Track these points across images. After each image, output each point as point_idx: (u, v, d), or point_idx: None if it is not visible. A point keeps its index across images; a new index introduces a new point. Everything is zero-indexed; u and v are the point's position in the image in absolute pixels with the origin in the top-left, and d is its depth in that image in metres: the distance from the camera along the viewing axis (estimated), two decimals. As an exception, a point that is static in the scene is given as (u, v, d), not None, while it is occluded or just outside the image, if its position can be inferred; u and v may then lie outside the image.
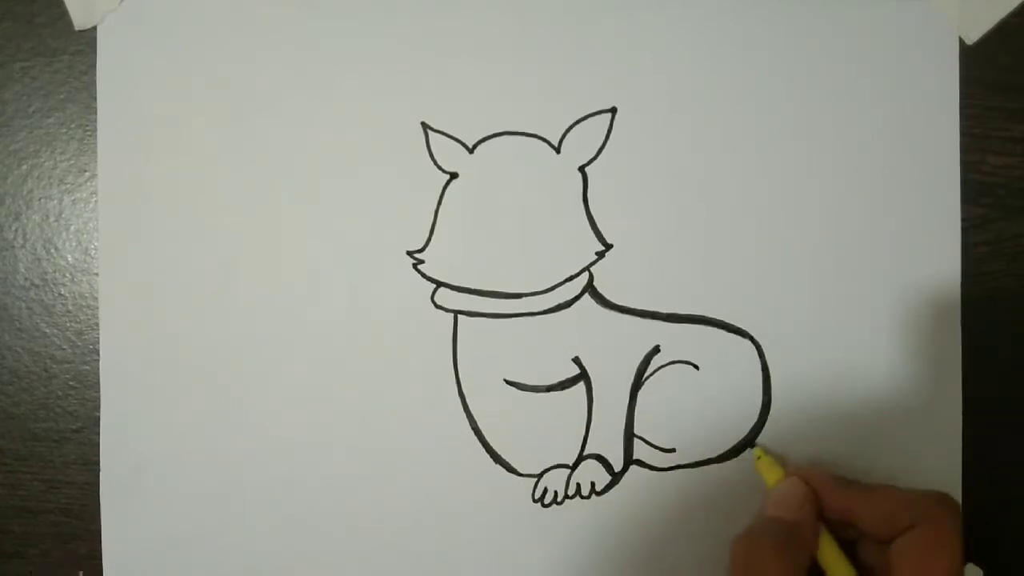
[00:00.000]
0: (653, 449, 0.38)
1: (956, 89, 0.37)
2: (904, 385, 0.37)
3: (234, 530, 0.38)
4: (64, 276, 0.39)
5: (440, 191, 0.38)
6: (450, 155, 0.38)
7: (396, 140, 0.38)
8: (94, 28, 0.38)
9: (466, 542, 0.38)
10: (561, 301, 0.38)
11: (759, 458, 0.36)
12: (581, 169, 0.38)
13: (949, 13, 0.37)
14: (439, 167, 0.38)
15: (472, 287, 0.38)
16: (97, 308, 0.38)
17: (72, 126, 0.39)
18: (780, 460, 0.36)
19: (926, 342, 0.37)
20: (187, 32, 0.38)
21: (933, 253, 0.37)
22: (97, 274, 0.38)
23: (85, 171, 0.39)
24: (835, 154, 0.38)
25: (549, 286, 0.38)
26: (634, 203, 0.38)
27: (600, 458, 0.38)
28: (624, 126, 0.38)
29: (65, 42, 0.38)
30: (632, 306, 0.38)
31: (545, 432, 0.38)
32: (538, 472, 0.38)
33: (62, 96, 0.39)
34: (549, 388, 0.38)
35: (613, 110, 0.38)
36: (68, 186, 0.39)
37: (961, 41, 0.37)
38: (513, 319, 0.38)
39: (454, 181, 0.38)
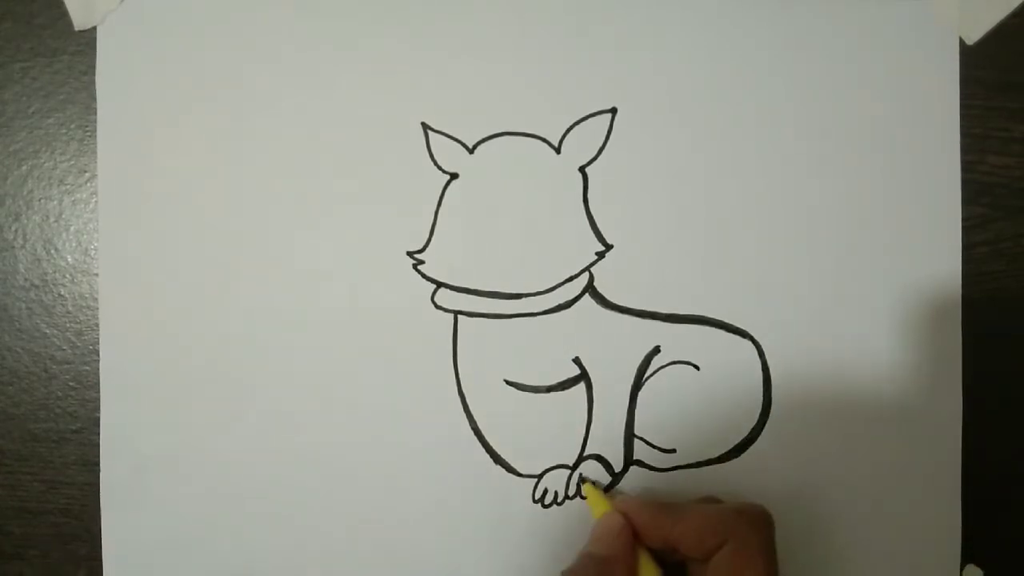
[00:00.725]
0: (653, 449, 0.38)
1: (956, 89, 0.37)
2: (904, 385, 0.37)
3: (234, 530, 0.38)
4: (64, 277, 0.39)
5: (440, 191, 0.38)
6: (450, 155, 0.38)
7: (396, 140, 0.38)
8: (94, 28, 0.38)
9: (466, 542, 0.38)
10: (561, 301, 0.38)
11: (589, 493, 0.37)
12: (581, 169, 0.38)
13: (949, 13, 0.37)
14: (439, 167, 0.38)
15: (472, 287, 0.38)
16: (97, 308, 0.38)
17: (72, 126, 0.39)
18: (608, 493, 0.37)
19: (926, 342, 0.37)
20: (187, 32, 0.38)
21: (933, 253, 0.37)
22: (97, 274, 0.38)
23: (85, 171, 0.39)
24: (835, 154, 0.38)
25: (549, 286, 0.38)
26: (634, 203, 0.38)
27: (600, 458, 0.38)
28: (624, 126, 0.38)
29: (65, 42, 0.38)
30: (632, 306, 0.38)
31: (545, 432, 0.38)
32: (538, 472, 0.38)
33: (62, 96, 0.39)
34: (549, 388, 0.38)
35: (613, 110, 0.38)
36: (68, 186, 0.39)
37: (961, 41, 0.37)
38: (513, 319, 0.38)
39: (454, 181, 0.38)
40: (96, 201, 0.38)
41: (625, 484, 0.38)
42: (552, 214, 0.38)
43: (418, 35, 0.38)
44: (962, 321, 0.37)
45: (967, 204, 0.37)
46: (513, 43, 0.38)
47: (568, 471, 0.38)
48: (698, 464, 0.38)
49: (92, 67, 0.38)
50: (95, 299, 0.39)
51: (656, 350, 0.38)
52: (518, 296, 0.38)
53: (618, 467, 0.38)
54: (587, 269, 0.38)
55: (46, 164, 0.39)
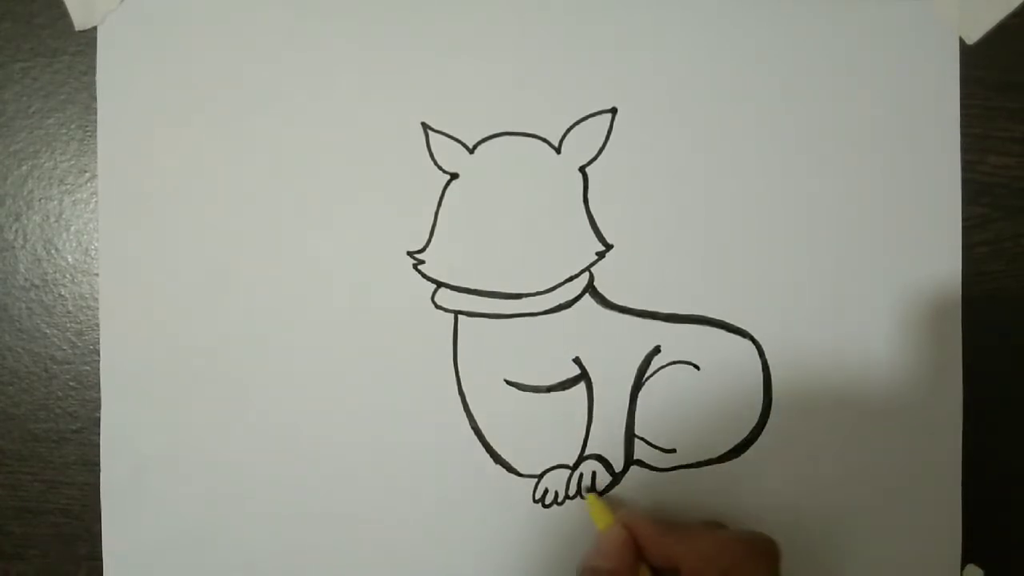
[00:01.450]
0: (653, 449, 0.38)
1: (956, 89, 0.37)
2: (904, 385, 0.37)
3: (234, 530, 0.38)
4: (64, 277, 0.39)
5: (440, 191, 0.38)
6: (450, 155, 0.38)
7: (396, 140, 0.38)
8: (94, 28, 0.38)
9: (466, 542, 0.38)
10: (562, 301, 0.38)
11: (591, 504, 0.36)
12: (581, 169, 0.38)
13: (949, 13, 0.37)
14: (439, 167, 0.38)
15: (472, 287, 0.38)
16: (97, 308, 0.38)
17: (72, 126, 0.39)
18: (612, 505, 0.37)
19: (926, 342, 0.37)
20: (187, 32, 0.38)
21: (933, 253, 0.37)
22: (97, 274, 0.38)
23: (85, 171, 0.39)
24: (835, 154, 0.38)
25: (549, 286, 0.38)
26: (634, 203, 0.38)
27: (600, 458, 0.38)
28: (624, 126, 0.38)
29: (65, 42, 0.38)
30: (632, 306, 0.38)
31: (545, 432, 0.38)
32: (539, 472, 0.38)
33: (62, 96, 0.39)
34: (550, 388, 0.38)
35: (613, 110, 0.38)
36: (68, 186, 0.39)
37: (961, 41, 0.37)
38: (513, 319, 0.38)
39: (454, 181, 0.38)
40: (96, 201, 0.38)
41: (625, 484, 0.38)
42: (552, 214, 0.38)
43: (418, 35, 0.38)
44: (962, 321, 0.37)
45: (967, 204, 0.38)
46: (513, 43, 0.38)
47: (568, 471, 0.38)
48: (698, 464, 0.38)
49: (92, 67, 0.38)
50: (95, 299, 0.39)
51: (656, 350, 0.38)
52: (518, 296, 0.38)
53: (618, 467, 0.38)
54: (587, 269, 0.38)
55: (46, 164, 0.39)
